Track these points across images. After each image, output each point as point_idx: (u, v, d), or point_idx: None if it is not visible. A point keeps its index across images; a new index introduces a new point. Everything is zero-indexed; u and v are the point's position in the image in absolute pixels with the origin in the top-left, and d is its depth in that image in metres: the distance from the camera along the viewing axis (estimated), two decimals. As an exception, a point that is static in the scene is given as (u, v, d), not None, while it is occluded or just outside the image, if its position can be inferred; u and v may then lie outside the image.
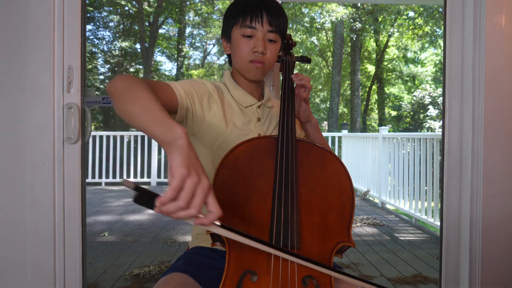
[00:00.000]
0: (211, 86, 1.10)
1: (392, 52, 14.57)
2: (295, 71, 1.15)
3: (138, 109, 0.74)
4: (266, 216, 0.87)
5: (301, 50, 13.98)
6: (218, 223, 0.67)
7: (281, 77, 1.14)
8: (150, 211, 5.03)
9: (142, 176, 7.19)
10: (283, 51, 1.22)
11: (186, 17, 13.25)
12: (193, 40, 14.22)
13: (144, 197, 0.62)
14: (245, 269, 0.82)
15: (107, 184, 7.11)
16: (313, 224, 0.89)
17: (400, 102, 14.39)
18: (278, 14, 1.06)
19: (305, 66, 14.55)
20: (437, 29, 11.88)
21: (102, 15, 11.70)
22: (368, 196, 6.25)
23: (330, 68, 14.28)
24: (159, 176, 7.31)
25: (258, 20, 1.03)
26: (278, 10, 1.07)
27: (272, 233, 0.85)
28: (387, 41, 13.79)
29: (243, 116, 1.11)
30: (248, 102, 1.12)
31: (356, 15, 11.74)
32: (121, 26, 12.25)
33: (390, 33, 13.34)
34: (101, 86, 11.95)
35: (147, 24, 12.20)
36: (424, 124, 10.81)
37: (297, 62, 1.25)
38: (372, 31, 13.19)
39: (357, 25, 11.72)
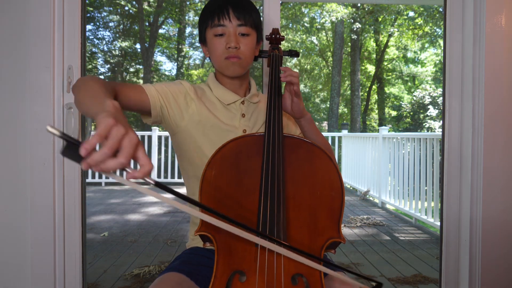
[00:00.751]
0: (189, 86, 1.13)
1: (392, 52, 14.57)
2: (287, 65, 1.14)
3: (85, 97, 0.80)
4: (253, 214, 0.87)
5: (301, 50, 13.98)
6: (152, 181, 0.63)
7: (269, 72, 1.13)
8: (150, 212, 5.03)
9: (142, 176, 7.18)
10: (270, 46, 1.22)
11: (186, 17, 13.25)
12: (193, 40, 14.21)
13: (71, 147, 0.58)
14: (233, 270, 0.82)
15: (107, 184, 7.12)
16: (302, 221, 0.88)
17: (400, 102, 14.39)
18: (246, 8, 1.08)
19: (305, 66, 14.55)
20: (437, 29, 11.88)
21: (102, 15, 11.70)
22: (368, 196, 6.25)
23: (330, 68, 14.27)
24: (159, 176, 7.31)
25: (225, 17, 1.06)
26: (246, 3, 1.09)
27: (259, 231, 0.84)
28: (387, 41, 13.79)
29: (227, 113, 1.12)
30: (230, 99, 1.13)
31: (356, 15, 11.74)
32: (121, 26, 12.25)
33: (390, 33, 13.34)
34: (101, 86, 11.93)
35: (147, 24, 12.20)
36: (424, 124, 10.81)
37: (295, 62, 1.24)
38: (372, 31, 13.19)
39: (357, 25, 11.72)
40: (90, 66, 11.38)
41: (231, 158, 0.92)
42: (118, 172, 0.62)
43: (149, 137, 7.16)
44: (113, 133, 0.58)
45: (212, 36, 1.08)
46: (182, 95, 1.10)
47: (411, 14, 12.26)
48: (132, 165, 0.63)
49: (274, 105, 1.01)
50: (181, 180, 7.21)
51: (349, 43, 13.18)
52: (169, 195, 0.67)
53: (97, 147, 0.58)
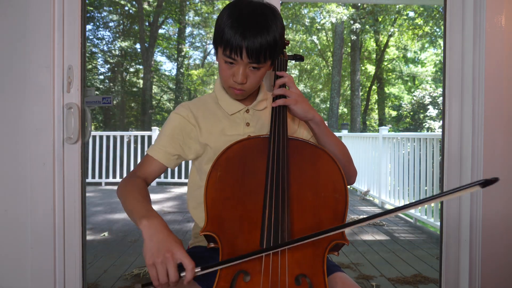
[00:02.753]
0: (186, 112, 1.11)
1: (392, 52, 14.58)
2: (287, 71, 1.13)
3: (129, 214, 0.95)
4: (258, 216, 0.87)
5: (301, 50, 13.98)
6: (198, 269, 0.80)
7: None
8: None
9: (142, 176, 7.18)
10: None
11: (186, 17, 13.25)
12: (193, 40, 14.22)
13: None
14: (238, 269, 0.82)
15: (107, 184, 7.11)
16: (306, 222, 0.89)
17: (400, 102, 14.39)
18: (262, 41, 0.96)
19: (305, 66, 14.55)
20: (437, 29, 11.88)
21: (102, 15, 11.70)
22: (368, 196, 6.25)
23: (330, 68, 14.27)
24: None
25: (237, 54, 0.97)
26: (263, 34, 0.97)
27: (263, 233, 0.85)
28: (387, 41, 13.79)
29: (230, 123, 1.11)
30: (234, 109, 1.11)
31: (356, 16, 11.74)
32: (121, 26, 12.25)
33: (390, 33, 13.34)
34: (101, 86, 11.96)
35: (147, 24, 12.20)
36: (424, 124, 10.81)
37: (295, 63, 1.24)
38: (372, 31, 13.19)
39: (357, 26, 11.72)
40: (90, 66, 11.39)
41: (236, 160, 0.93)
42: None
43: (149, 137, 7.16)
44: (158, 268, 0.80)
45: (222, 59, 1.02)
46: (180, 129, 1.10)
47: (411, 14, 12.27)
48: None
49: (278, 109, 1.02)
50: (181, 180, 7.22)
51: (349, 43, 13.18)
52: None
53: None
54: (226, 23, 0.98)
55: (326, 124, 1.10)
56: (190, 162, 1.19)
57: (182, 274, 0.79)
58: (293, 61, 1.29)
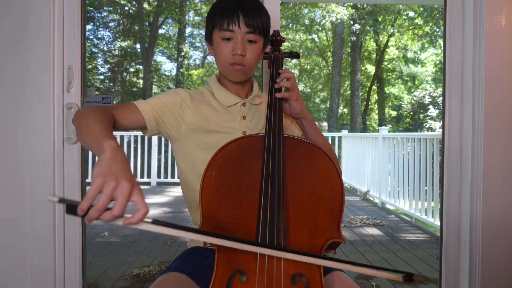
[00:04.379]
0: (185, 94, 1.12)
1: (392, 52, 14.57)
2: (287, 66, 1.14)
3: (87, 135, 0.84)
4: (254, 216, 0.87)
5: (301, 50, 13.97)
6: (148, 220, 0.69)
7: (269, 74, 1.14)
8: (150, 212, 5.03)
9: (142, 176, 7.19)
10: (271, 48, 1.22)
11: (186, 17, 13.25)
12: (193, 40, 14.22)
13: (71, 207, 0.67)
14: (234, 269, 0.82)
15: (107, 184, 7.10)
16: (302, 221, 0.88)
17: (400, 102, 14.40)
18: (257, 14, 1.05)
19: (305, 66, 14.55)
20: (437, 29, 11.88)
21: (102, 15, 11.70)
22: (368, 196, 6.25)
23: (330, 68, 14.27)
24: (159, 176, 7.31)
25: (235, 22, 1.03)
26: (257, 9, 1.06)
27: (259, 233, 0.85)
28: (387, 41, 13.79)
29: (227, 115, 1.12)
30: (231, 101, 1.13)
31: (356, 16, 11.74)
32: (121, 26, 12.25)
33: (390, 33, 13.34)
34: (101, 86, 11.96)
35: (147, 24, 12.20)
36: (424, 125, 10.81)
37: (295, 62, 1.25)
38: (372, 32, 13.19)
39: (357, 26, 11.72)
40: (90, 66, 11.39)
41: (231, 159, 0.93)
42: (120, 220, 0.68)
43: (149, 137, 7.17)
44: (104, 190, 0.66)
45: (219, 39, 1.07)
46: (178, 104, 1.10)
47: (411, 14, 12.26)
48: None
49: (275, 107, 1.02)
50: (181, 180, 7.21)
51: (349, 43, 13.18)
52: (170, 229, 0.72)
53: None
54: (219, 5, 1.08)
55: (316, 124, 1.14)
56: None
57: (126, 215, 0.68)
58: (292, 61, 1.30)
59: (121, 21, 12.10)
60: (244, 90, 1.17)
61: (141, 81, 12.82)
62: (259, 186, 0.89)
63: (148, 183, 7.24)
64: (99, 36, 11.78)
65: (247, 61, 1.07)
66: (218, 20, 1.05)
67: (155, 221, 0.70)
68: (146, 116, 1.05)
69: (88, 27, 10.78)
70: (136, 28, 12.06)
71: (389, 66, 14.97)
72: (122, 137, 7.14)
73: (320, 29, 13.28)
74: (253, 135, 0.97)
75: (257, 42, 1.08)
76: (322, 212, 0.90)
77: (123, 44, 12.01)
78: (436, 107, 10.50)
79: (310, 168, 0.93)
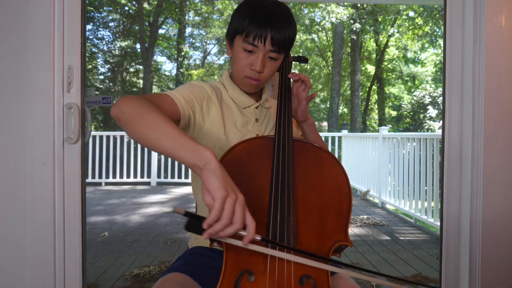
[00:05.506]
0: (209, 88, 1.09)
1: (392, 52, 14.57)
2: (293, 71, 1.15)
3: (158, 135, 0.75)
4: (263, 217, 0.87)
5: (301, 50, 13.98)
6: (258, 237, 0.72)
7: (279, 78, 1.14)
8: (150, 212, 5.03)
9: (142, 176, 7.19)
10: None
11: (186, 17, 13.25)
12: (193, 40, 14.22)
13: (193, 222, 0.68)
14: (242, 269, 0.82)
15: (107, 184, 7.11)
16: (310, 224, 0.88)
17: (400, 102, 14.40)
18: (285, 31, 1.00)
19: (305, 66, 14.54)
20: (437, 29, 11.87)
21: (102, 15, 11.70)
22: (368, 196, 6.25)
23: (330, 68, 14.27)
24: (159, 176, 7.31)
25: (261, 40, 0.99)
26: (287, 24, 1.01)
27: (269, 235, 0.85)
28: (387, 41, 13.79)
29: (242, 117, 1.11)
30: (246, 103, 1.12)
31: (356, 16, 11.74)
32: (121, 26, 12.25)
33: (390, 33, 13.33)
34: (101, 86, 11.95)
35: (147, 24, 12.20)
36: (424, 125, 10.81)
37: (295, 63, 1.25)
38: (372, 31, 13.19)
39: (357, 26, 11.71)
40: (90, 66, 11.38)
41: (241, 160, 0.93)
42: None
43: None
44: (227, 204, 0.67)
45: (241, 48, 1.03)
46: (205, 100, 1.06)
47: (411, 14, 12.26)
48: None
49: (284, 110, 1.02)
50: (181, 180, 7.22)
51: (349, 43, 13.18)
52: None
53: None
54: (249, 12, 1.01)
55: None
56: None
57: (241, 233, 0.68)
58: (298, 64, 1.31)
59: (121, 21, 12.10)
60: (256, 92, 1.16)
61: (141, 81, 12.82)
62: (268, 188, 0.89)
63: (148, 183, 7.25)
64: (99, 36, 11.78)
65: (263, 77, 1.05)
66: (245, 29, 1.00)
67: (264, 239, 0.73)
68: (182, 111, 0.98)
69: (88, 27, 10.78)
70: (136, 28, 12.06)
71: (389, 66, 14.97)
72: (122, 137, 7.14)
73: (320, 29, 13.27)
74: (263, 137, 0.97)
75: (277, 60, 1.05)
76: (330, 215, 0.90)
77: (123, 44, 12.01)
78: (436, 107, 10.50)
79: (319, 172, 0.94)
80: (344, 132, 7.85)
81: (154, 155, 7.20)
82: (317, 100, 15.87)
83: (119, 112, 0.80)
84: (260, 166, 0.92)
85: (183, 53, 13.48)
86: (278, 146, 0.93)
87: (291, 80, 1.12)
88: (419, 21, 12.01)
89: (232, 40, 1.06)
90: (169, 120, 0.78)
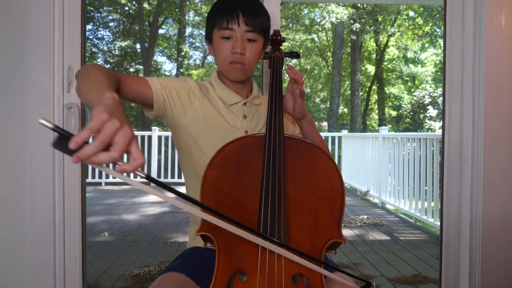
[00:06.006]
0: (193, 83, 1.12)
1: (392, 52, 14.57)
2: (284, 67, 1.14)
3: (86, 86, 0.80)
4: (254, 216, 0.86)
5: (301, 50, 13.97)
6: (143, 174, 0.63)
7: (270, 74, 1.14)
8: (150, 212, 5.03)
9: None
10: (271, 48, 1.22)
11: (186, 17, 13.25)
12: (193, 40, 14.21)
13: (63, 139, 0.56)
14: (234, 269, 0.82)
15: (107, 184, 7.11)
16: (302, 221, 0.88)
17: (400, 102, 14.40)
18: (256, 13, 1.06)
19: (305, 66, 14.55)
20: (437, 29, 11.88)
21: (102, 15, 11.70)
22: (368, 196, 6.25)
23: (330, 68, 14.27)
24: (159, 176, 7.31)
25: (234, 21, 1.04)
26: (257, 8, 1.07)
27: (259, 232, 0.84)
28: (387, 41, 13.79)
29: (229, 114, 1.12)
30: (233, 100, 1.13)
31: (356, 16, 11.74)
32: (121, 26, 12.25)
33: (390, 33, 13.33)
34: (101, 86, 11.93)
35: (147, 24, 12.20)
36: (424, 125, 10.82)
37: (296, 62, 1.24)
38: (372, 31, 13.19)
39: (357, 26, 11.72)
40: (90, 66, 11.36)
41: (232, 159, 0.92)
42: (111, 166, 0.61)
43: (149, 137, 7.17)
44: (106, 127, 0.58)
45: (219, 38, 1.07)
46: (186, 91, 1.10)
47: (411, 14, 12.26)
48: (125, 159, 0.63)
49: (275, 106, 1.02)
50: (182, 180, 7.21)
51: (349, 43, 13.18)
52: (169, 194, 0.67)
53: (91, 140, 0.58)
54: (218, 3, 1.08)
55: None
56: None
57: (119, 162, 0.60)
58: (292, 61, 1.30)
59: (121, 21, 12.10)
60: (244, 90, 1.18)
61: (141, 81, 12.78)
62: (259, 186, 0.89)
63: (148, 183, 7.25)
64: (99, 36, 11.78)
65: (246, 59, 1.08)
66: (218, 19, 1.06)
67: (150, 177, 0.63)
68: (155, 94, 1.03)
69: (88, 27, 10.78)
70: (136, 28, 12.06)
71: (389, 66, 14.97)
72: (122, 137, 7.13)
73: (320, 29, 13.27)
74: (254, 135, 0.96)
75: (257, 41, 1.08)
76: (323, 212, 0.89)
77: (123, 44, 12.01)
78: (436, 107, 10.51)
79: (311, 168, 0.93)
80: (344, 132, 7.85)
81: (154, 155, 7.20)
82: (317, 100, 15.87)
83: (77, 73, 0.88)
84: (251, 164, 0.92)
85: (183, 53, 13.48)
86: (269, 144, 0.93)
87: (288, 77, 1.12)
88: (419, 21, 12.01)
89: (211, 37, 1.11)
90: (101, 76, 0.82)
